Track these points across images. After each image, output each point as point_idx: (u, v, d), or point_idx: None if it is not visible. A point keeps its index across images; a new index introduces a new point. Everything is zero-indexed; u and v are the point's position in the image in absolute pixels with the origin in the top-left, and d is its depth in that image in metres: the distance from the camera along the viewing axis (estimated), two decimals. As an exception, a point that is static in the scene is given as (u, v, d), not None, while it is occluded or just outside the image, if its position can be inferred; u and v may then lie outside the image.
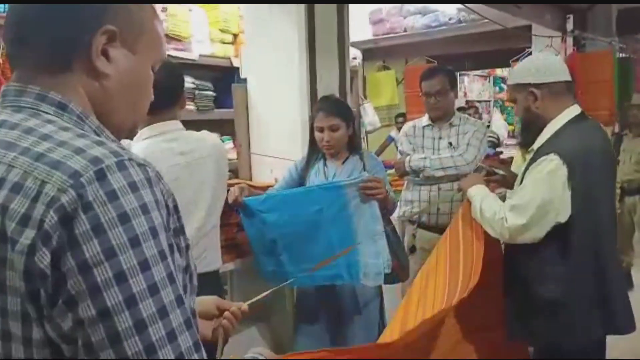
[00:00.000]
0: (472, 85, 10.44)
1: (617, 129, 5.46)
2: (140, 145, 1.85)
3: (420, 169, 2.93)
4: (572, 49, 5.77)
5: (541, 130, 2.01)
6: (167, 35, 3.50)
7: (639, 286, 4.20)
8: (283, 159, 2.85)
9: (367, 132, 6.57)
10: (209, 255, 1.95)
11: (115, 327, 0.65)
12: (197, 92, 3.64)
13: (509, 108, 9.87)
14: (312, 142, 2.53)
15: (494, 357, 2.21)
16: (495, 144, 6.18)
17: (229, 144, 3.65)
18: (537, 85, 1.99)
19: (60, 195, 0.65)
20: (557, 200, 1.86)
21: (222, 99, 3.75)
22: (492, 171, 2.40)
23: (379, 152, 6.29)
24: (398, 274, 2.49)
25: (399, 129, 5.68)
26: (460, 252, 2.10)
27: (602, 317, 1.95)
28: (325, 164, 2.52)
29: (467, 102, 9.55)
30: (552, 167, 1.87)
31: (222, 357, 1.18)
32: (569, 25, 5.80)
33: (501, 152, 5.79)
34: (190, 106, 3.54)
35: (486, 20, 5.21)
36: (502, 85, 10.82)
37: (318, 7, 2.90)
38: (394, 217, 2.80)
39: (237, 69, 3.32)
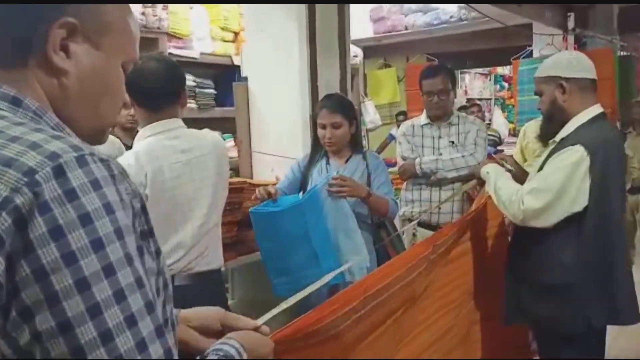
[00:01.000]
0: (473, 84, 10.44)
1: (618, 127, 5.46)
2: (142, 143, 1.86)
3: (433, 171, 2.92)
4: (573, 47, 5.76)
5: (563, 124, 2.06)
6: (168, 34, 3.51)
7: (639, 284, 4.20)
8: (284, 157, 2.86)
9: (368, 130, 6.57)
10: (210, 254, 1.95)
11: (77, 340, 0.59)
12: (198, 90, 3.64)
13: (510, 106, 9.86)
14: (315, 139, 2.53)
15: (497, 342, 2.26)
16: (497, 142, 6.20)
17: (230, 142, 3.65)
18: (567, 79, 2.04)
19: (13, 196, 0.59)
20: (575, 189, 1.92)
21: (223, 97, 3.75)
22: (501, 164, 2.42)
23: (379, 150, 6.28)
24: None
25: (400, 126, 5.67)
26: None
27: (607, 306, 1.98)
28: (328, 162, 2.52)
29: (467, 100, 9.54)
30: (577, 158, 1.92)
31: None
32: (570, 23, 5.79)
33: (502, 151, 5.79)
34: (191, 104, 3.55)
35: (487, 18, 5.22)
36: (503, 83, 10.81)
37: (319, 5, 2.90)
38: (398, 207, 2.80)
39: (238, 67, 3.32)
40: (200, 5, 3.82)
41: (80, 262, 0.59)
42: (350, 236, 2.27)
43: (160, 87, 1.83)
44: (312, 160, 2.55)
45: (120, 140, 2.41)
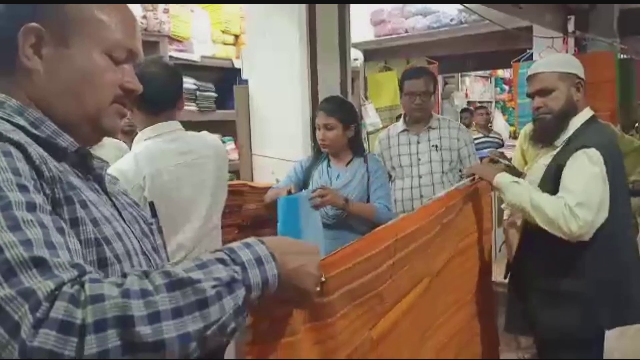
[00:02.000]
0: (474, 86, 10.44)
1: (618, 130, 5.45)
2: (140, 146, 1.87)
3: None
4: (574, 50, 5.76)
5: (567, 124, 2.04)
6: (169, 37, 3.52)
7: None
8: (284, 160, 2.86)
9: (368, 133, 6.57)
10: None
11: None
12: (198, 93, 3.65)
13: (510, 109, 9.85)
14: (316, 141, 2.55)
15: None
16: (500, 144, 6.24)
17: (231, 145, 3.66)
18: (580, 78, 2.05)
19: None
20: (606, 196, 1.90)
21: (224, 100, 3.76)
22: (497, 160, 2.41)
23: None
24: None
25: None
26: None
27: (622, 309, 1.99)
28: (329, 165, 2.53)
29: (469, 102, 9.55)
30: (598, 163, 1.89)
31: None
32: (570, 26, 5.79)
33: (502, 153, 5.80)
34: (191, 107, 3.55)
35: (487, 21, 5.22)
36: (504, 86, 10.82)
37: (319, 8, 2.91)
38: (393, 213, 2.78)
39: (239, 70, 3.33)
40: (202, 8, 3.83)
41: None
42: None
43: (159, 90, 1.84)
44: (314, 162, 2.56)
45: (122, 144, 2.42)
